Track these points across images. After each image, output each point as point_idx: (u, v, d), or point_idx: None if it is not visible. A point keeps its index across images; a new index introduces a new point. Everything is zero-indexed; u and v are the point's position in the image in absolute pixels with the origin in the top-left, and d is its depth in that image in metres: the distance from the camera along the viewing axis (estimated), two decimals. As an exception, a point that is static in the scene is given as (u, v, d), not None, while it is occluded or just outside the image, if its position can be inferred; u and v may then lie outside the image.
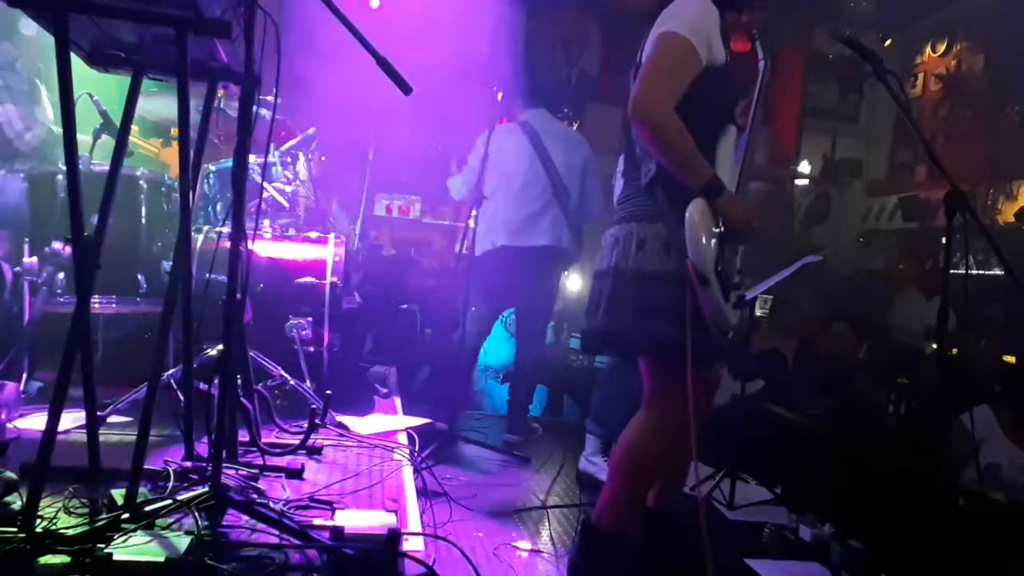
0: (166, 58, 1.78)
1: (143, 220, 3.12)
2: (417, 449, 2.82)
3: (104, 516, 1.65)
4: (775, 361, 4.52)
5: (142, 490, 1.78)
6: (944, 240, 1.93)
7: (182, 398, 2.13)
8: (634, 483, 2.10)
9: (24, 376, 2.82)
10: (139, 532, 1.52)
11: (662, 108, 1.85)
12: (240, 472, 2.07)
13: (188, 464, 2.01)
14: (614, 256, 2.02)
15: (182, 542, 1.47)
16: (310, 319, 3.21)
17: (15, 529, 1.54)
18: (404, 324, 5.07)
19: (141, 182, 3.12)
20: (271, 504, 1.84)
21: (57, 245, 2.82)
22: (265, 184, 3.31)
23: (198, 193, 3.36)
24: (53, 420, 1.62)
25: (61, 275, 2.84)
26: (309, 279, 3.27)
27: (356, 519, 1.81)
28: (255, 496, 1.93)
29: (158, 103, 3.63)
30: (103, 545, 1.44)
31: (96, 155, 3.07)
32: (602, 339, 2.06)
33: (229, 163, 3.24)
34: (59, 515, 1.72)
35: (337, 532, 1.72)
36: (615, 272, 2.00)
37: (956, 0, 6.67)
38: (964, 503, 2.52)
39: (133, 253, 3.07)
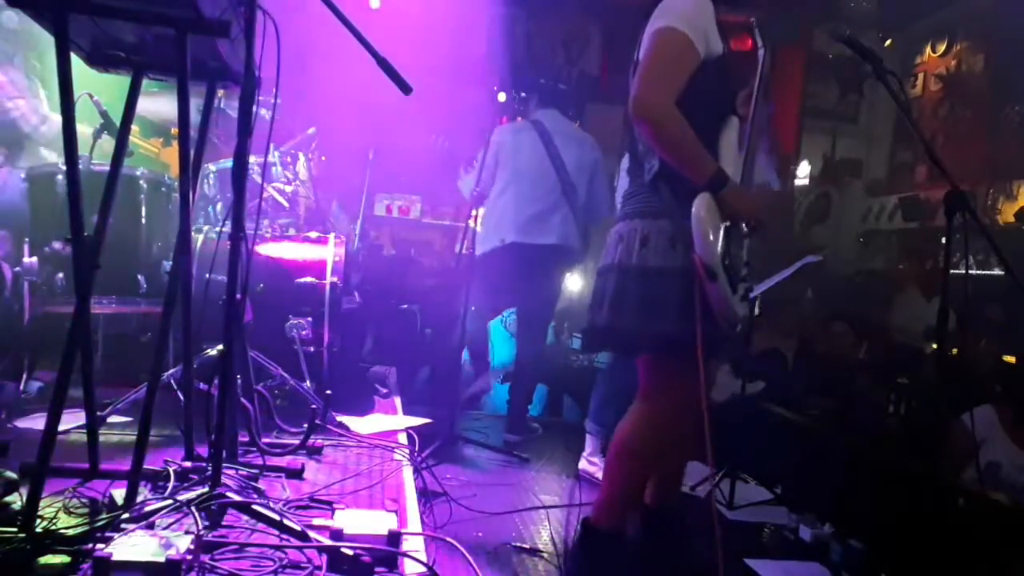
0: (166, 58, 1.77)
1: (143, 220, 3.12)
2: (417, 449, 2.82)
3: (104, 516, 1.65)
4: (775, 361, 4.52)
5: (142, 490, 1.78)
6: (944, 240, 1.93)
7: (182, 398, 2.13)
8: (630, 478, 2.10)
9: (24, 376, 2.82)
10: (139, 532, 1.51)
11: (662, 105, 1.85)
12: (240, 472, 2.07)
13: (188, 464, 2.01)
14: (618, 252, 2.02)
15: (182, 542, 1.47)
16: (310, 319, 3.21)
17: (15, 529, 1.54)
18: (404, 324, 5.07)
19: (141, 182, 3.12)
20: (271, 504, 1.84)
21: (57, 245, 2.82)
22: (265, 184, 3.31)
23: (198, 193, 3.36)
24: (53, 420, 1.62)
25: (61, 275, 2.84)
26: (309, 279, 3.27)
27: (356, 519, 1.81)
28: (255, 496, 1.92)
29: (158, 103, 3.64)
30: (103, 545, 1.44)
31: (96, 155, 3.07)
32: (605, 336, 2.05)
33: (229, 163, 3.24)
34: (59, 515, 1.72)
35: (337, 532, 1.72)
36: (619, 268, 2.00)
37: (956, 0, 6.67)
38: (964, 503, 2.52)
39: (133, 253, 3.07)
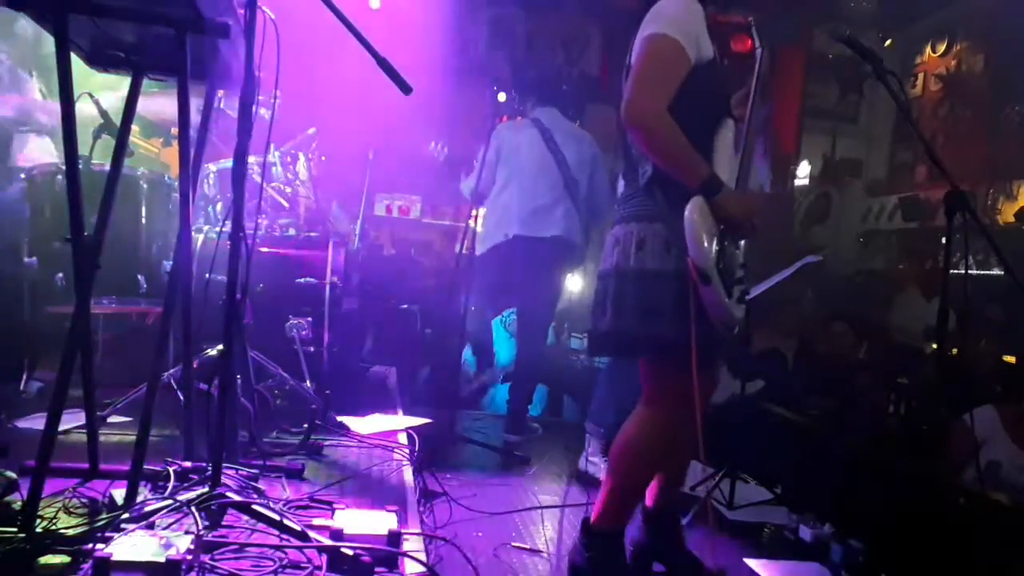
0: (166, 58, 1.78)
1: (143, 220, 3.12)
2: (417, 449, 2.82)
3: (104, 516, 1.65)
4: (775, 361, 4.52)
5: (142, 490, 1.78)
6: (944, 240, 1.93)
7: (182, 398, 2.13)
8: (632, 481, 2.10)
9: (24, 376, 2.82)
10: (139, 532, 1.51)
11: (654, 111, 1.86)
12: (240, 472, 2.07)
13: (188, 464, 2.01)
14: (616, 256, 2.02)
15: (182, 542, 1.47)
16: (310, 319, 3.21)
17: (15, 529, 1.54)
18: (404, 324, 5.07)
19: (141, 182, 3.12)
20: (271, 504, 1.84)
21: (57, 245, 2.82)
22: (265, 184, 3.31)
23: (198, 193, 3.36)
24: (53, 420, 1.62)
25: (61, 275, 2.84)
26: (309, 279, 3.27)
27: (356, 519, 1.81)
28: (255, 496, 1.92)
29: (158, 103, 3.64)
30: (103, 545, 1.44)
31: (96, 155, 3.07)
32: (609, 340, 2.06)
33: (229, 163, 3.24)
34: (59, 515, 1.72)
35: (337, 532, 1.72)
36: (617, 272, 2.01)
37: (956, 0, 6.67)
38: (964, 503, 2.52)
39: (133, 253, 3.07)
